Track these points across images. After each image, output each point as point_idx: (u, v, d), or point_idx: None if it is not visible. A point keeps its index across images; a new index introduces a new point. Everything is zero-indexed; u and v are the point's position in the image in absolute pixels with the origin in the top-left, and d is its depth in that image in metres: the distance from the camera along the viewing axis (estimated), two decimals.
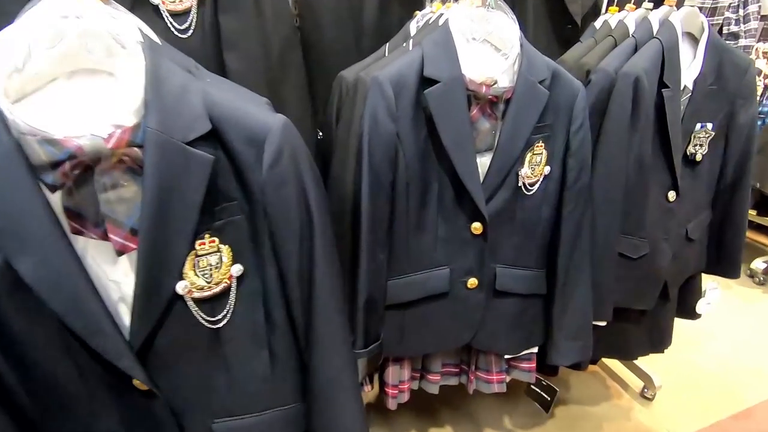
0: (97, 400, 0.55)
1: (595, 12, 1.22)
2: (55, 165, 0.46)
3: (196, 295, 0.54)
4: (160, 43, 0.66)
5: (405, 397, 1.11)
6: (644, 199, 1.05)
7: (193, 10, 0.77)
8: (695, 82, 1.01)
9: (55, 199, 0.49)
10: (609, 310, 1.11)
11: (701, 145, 1.07)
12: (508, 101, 0.85)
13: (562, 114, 0.90)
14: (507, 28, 0.86)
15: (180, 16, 0.77)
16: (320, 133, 1.08)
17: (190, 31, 0.78)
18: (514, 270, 0.98)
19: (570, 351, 1.05)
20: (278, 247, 0.57)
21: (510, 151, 0.87)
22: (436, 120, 0.83)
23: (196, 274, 0.53)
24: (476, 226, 0.91)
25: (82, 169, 0.48)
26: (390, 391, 1.08)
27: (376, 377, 1.13)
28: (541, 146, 0.90)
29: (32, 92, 0.51)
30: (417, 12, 1.02)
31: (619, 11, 1.13)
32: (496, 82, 0.83)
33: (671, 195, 1.07)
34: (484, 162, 0.89)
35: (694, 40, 1.02)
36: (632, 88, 0.92)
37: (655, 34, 0.99)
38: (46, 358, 0.52)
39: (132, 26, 0.58)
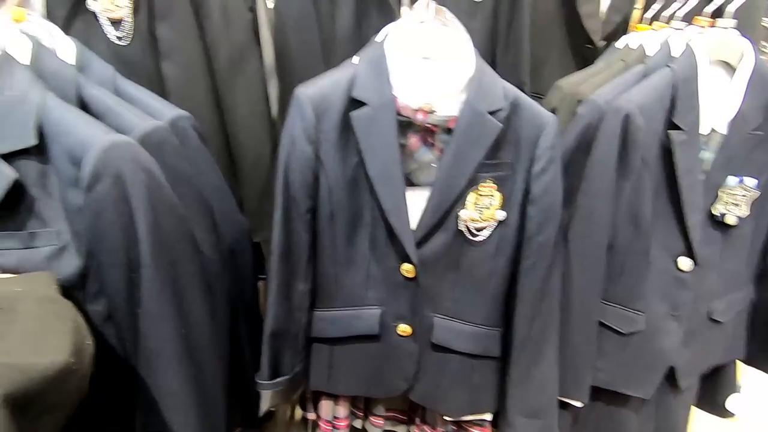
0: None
1: (625, 29, 1.01)
2: None
3: None
4: (70, 53, 0.67)
5: None
6: (642, 263, 0.84)
7: (128, 18, 0.77)
8: (731, 124, 0.78)
9: None
10: (584, 389, 0.92)
11: (736, 205, 0.82)
12: (451, 132, 0.73)
13: (524, 152, 0.75)
14: (458, 48, 0.74)
15: (117, 23, 0.78)
16: None
17: (128, 39, 0.79)
18: (456, 323, 0.85)
19: (527, 430, 0.89)
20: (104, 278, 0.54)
21: (448, 189, 0.75)
22: (362, 147, 0.74)
23: None
24: (407, 269, 0.80)
25: None
26: (323, 425, 1.02)
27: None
28: (492, 187, 0.76)
29: None
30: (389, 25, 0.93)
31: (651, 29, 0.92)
32: (434, 110, 0.72)
33: (684, 263, 0.85)
34: (424, 197, 0.78)
35: (732, 70, 0.79)
36: (620, 127, 0.74)
37: (672, 60, 0.78)
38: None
39: (16, 34, 0.59)
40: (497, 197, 0.77)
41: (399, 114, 0.73)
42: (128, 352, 0.58)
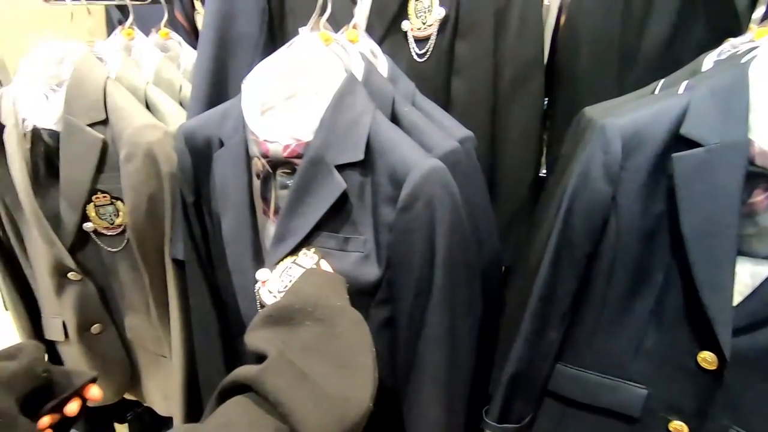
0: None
1: None
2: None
3: None
4: (384, 70, 0.72)
5: None
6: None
7: (433, 36, 0.80)
8: None
9: (257, 184, 0.64)
10: None
11: None
12: None
13: None
14: None
15: (422, 41, 0.81)
16: (544, 171, 0.95)
17: (426, 56, 0.82)
18: None
19: None
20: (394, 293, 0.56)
21: None
22: (680, 196, 0.59)
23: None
24: (707, 358, 0.61)
25: (272, 167, 0.61)
26: None
27: None
28: None
29: (268, 109, 0.67)
30: (729, 39, 0.72)
31: None
32: None
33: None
34: (757, 272, 0.58)
35: None
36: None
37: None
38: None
39: (355, 54, 0.66)
40: None
41: (752, 163, 0.55)
42: (393, 364, 0.59)
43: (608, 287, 0.68)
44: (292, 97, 0.65)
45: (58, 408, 0.52)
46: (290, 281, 0.53)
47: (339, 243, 0.56)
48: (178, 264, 0.84)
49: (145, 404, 1.08)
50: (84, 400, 0.54)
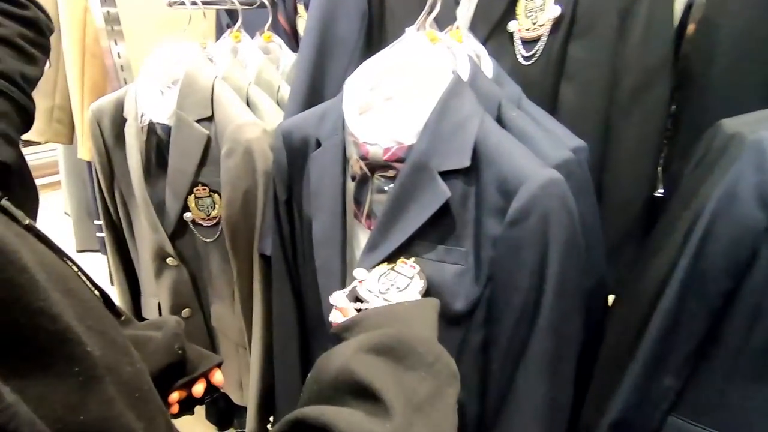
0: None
1: None
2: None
3: None
4: (489, 72, 0.68)
5: None
6: None
7: (544, 38, 0.73)
8: None
9: (351, 186, 0.63)
10: None
11: None
12: None
13: None
14: None
15: (530, 43, 0.75)
16: (660, 190, 0.83)
17: (534, 59, 0.76)
18: None
19: None
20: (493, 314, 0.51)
21: None
22: None
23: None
24: None
25: (369, 170, 0.59)
26: None
27: None
28: None
29: (368, 110, 0.65)
30: None
31: None
32: None
33: None
34: None
35: None
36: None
37: None
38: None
39: (461, 54, 0.62)
40: None
41: None
42: (483, 393, 0.53)
43: (750, 334, 0.57)
44: (392, 98, 0.62)
45: (187, 386, 0.54)
46: (391, 285, 0.50)
47: (438, 253, 0.52)
48: (265, 259, 0.86)
49: (221, 391, 1.12)
50: (209, 382, 0.56)
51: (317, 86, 0.87)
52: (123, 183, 1.00)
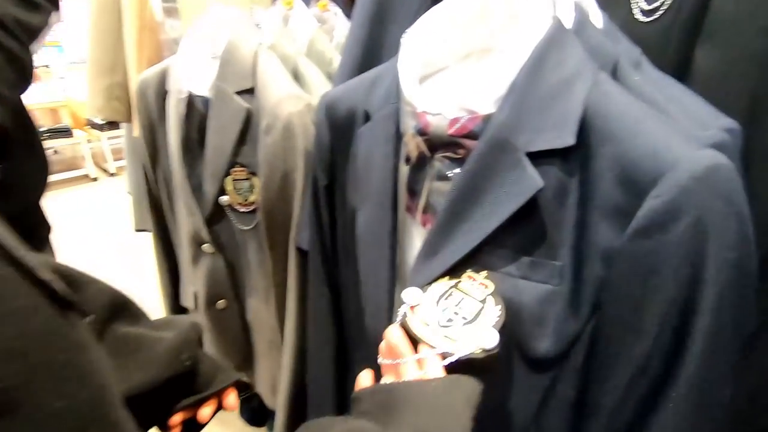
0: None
1: None
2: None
3: None
4: (599, 24, 0.51)
5: None
6: None
7: None
8: None
9: (405, 171, 0.49)
10: None
11: None
12: None
13: None
14: None
15: None
16: None
17: (658, 13, 0.57)
18: None
19: None
20: (602, 357, 0.35)
21: None
22: None
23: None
24: None
25: (429, 149, 0.45)
26: None
27: None
28: None
29: (436, 72, 0.51)
30: None
31: None
32: None
33: None
34: None
35: None
36: None
37: None
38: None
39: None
40: None
41: None
42: None
43: None
44: (470, 55, 0.47)
45: (194, 406, 0.45)
46: (455, 314, 0.36)
47: (520, 267, 0.37)
48: (302, 254, 0.75)
49: (255, 391, 1.04)
50: (220, 402, 0.46)
51: (373, 54, 0.74)
52: (165, 160, 0.94)
